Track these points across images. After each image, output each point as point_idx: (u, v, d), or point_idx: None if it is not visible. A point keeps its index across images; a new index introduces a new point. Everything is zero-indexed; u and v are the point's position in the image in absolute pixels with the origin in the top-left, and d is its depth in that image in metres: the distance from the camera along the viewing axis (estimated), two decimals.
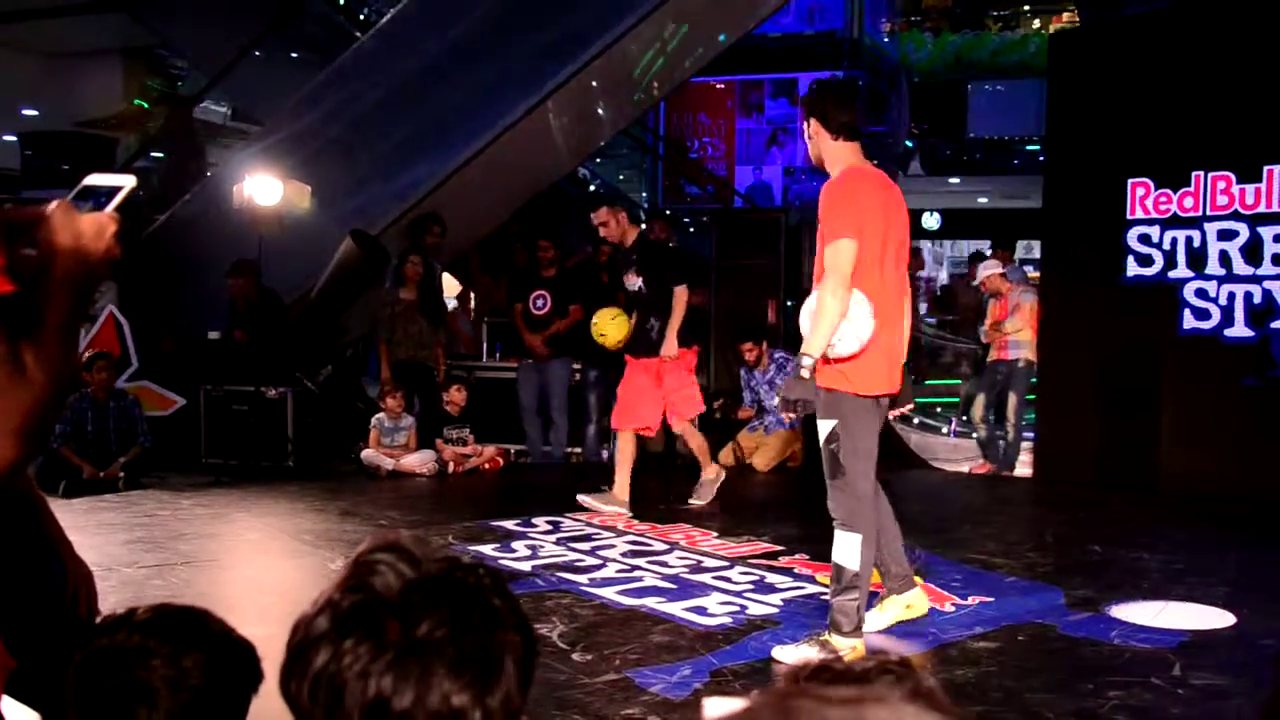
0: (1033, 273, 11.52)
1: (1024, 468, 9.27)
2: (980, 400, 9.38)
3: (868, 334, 4.06)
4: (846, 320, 4.02)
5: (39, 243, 1.39)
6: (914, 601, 4.71)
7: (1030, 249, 18.51)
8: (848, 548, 4.23)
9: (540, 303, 9.55)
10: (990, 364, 9.38)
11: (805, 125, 4.40)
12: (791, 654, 4.32)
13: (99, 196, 1.47)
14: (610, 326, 7.31)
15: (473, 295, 12.18)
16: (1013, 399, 9.15)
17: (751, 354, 9.25)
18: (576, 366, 9.83)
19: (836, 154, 4.27)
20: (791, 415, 4.17)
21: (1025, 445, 9.46)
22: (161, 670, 1.38)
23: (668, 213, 12.93)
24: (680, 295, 7.15)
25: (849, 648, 4.22)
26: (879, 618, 4.69)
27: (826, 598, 4.51)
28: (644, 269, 7.27)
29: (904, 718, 0.74)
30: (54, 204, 1.41)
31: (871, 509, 4.28)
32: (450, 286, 11.46)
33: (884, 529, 4.50)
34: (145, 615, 1.44)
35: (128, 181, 1.50)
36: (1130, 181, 8.29)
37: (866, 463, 4.23)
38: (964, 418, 10.23)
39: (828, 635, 4.30)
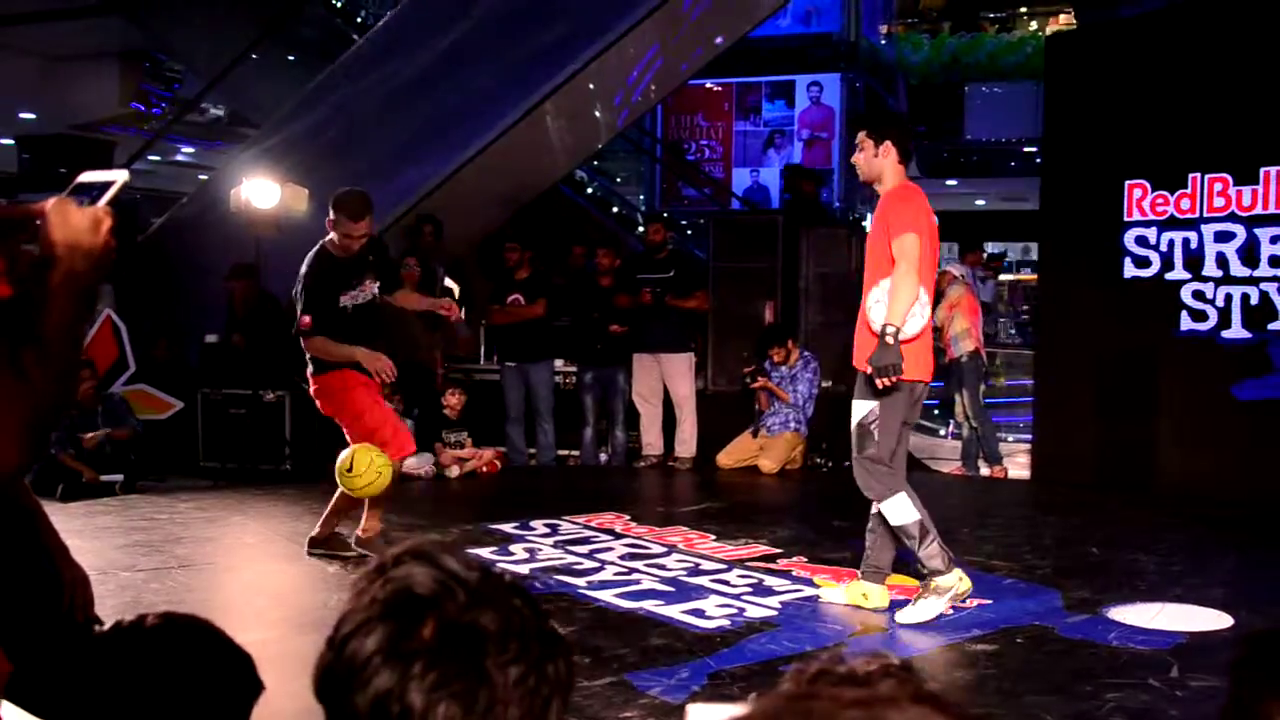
0: (1029, 274, 11.57)
1: (1021, 469, 9.27)
2: (956, 402, 9.40)
3: (923, 323, 4.69)
4: (918, 303, 4.63)
5: (38, 241, 1.38)
6: (872, 594, 5.03)
7: (1028, 251, 18.53)
8: (898, 508, 4.78)
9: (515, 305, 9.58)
10: (944, 366, 9.51)
11: (871, 144, 4.88)
12: (913, 613, 4.79)
13: (92, 192, 1.46)
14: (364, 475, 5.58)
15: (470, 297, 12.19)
16: (964, 396, 9.13)
17: (779, 355, 9.27)
18: (571, 369, 9.83)
19: (898, 174, 4.91)
20: (884, 382, 4.63)
21: (1021, 445, 9.45)
22: (176, 673, 1.38)
23: (665, 215, 12.90)
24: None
25: (955, 578, 4.78)
26: (836, 593, 5.15)
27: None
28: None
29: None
30: (49, 201, 1.41)
31: (898, 475, 4.82)
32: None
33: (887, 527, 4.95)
34: (154, 623, 1.44)
35: (120, 176, 1.49)
36: (1127, 183, 8.30)
37: (893, 441, 4.80)
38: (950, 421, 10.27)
39: (934, 582, 4.78)
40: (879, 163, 4.88)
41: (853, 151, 4.97)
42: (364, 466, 5.54)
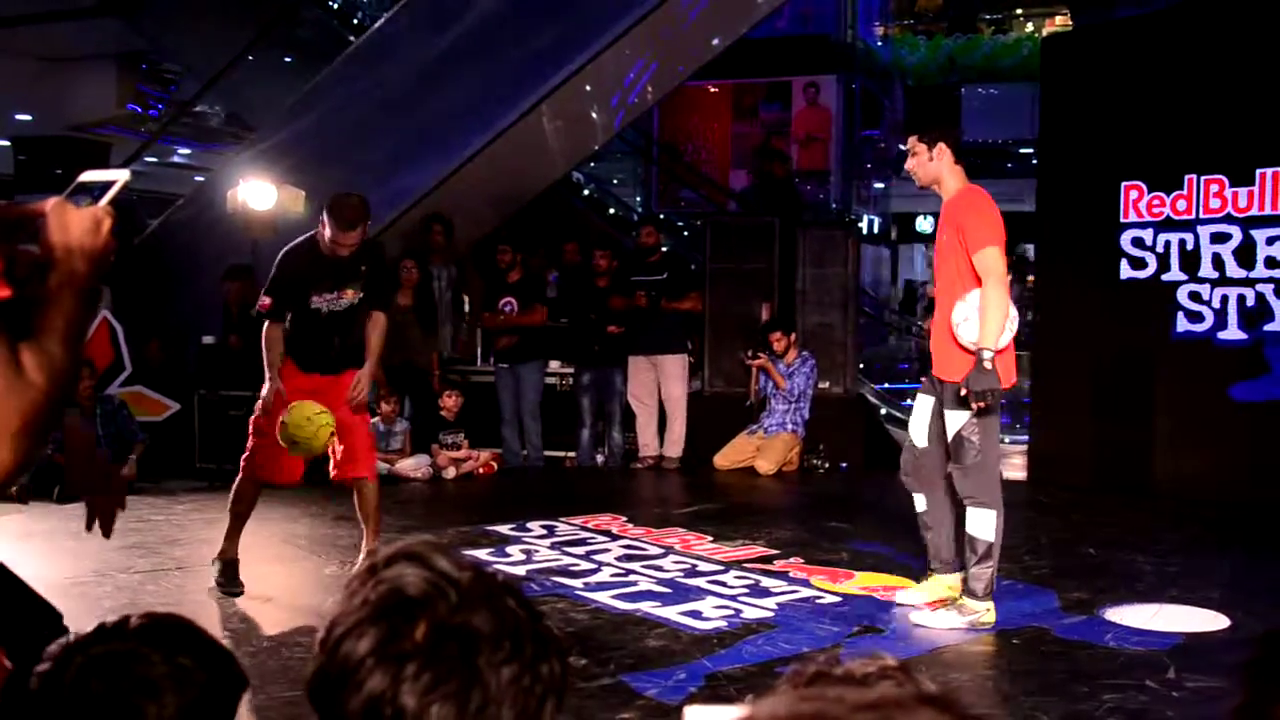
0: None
1: (1018, 471, 9.27)
2: None
3: (1012, 334, 4.71)
4: (1008, 319, 4.65)
5: (39, 241, 1.37)
6: (956, 585, 5.02)
7: (1024, 252, 18.54)
8: (983, 522, 4.76)
9: (508, 309, 9.56)
10: None
11: (925, 149, 4.87)
12: (929, 617, 4.85)
13: (93, 192, 1.45)
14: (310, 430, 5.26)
15: (467, 299, 12.17)
16: None
17: (780, 344, 9.30)
18: (568, 370, 9.82)
19: (957, 174, 4.87)
20: (980, 405, 4.64)
21: (1018, 447, 9.45)
22: (162, 668, 1.38)
23: (661, 217, 12.91)
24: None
25: (984, 609, 4.77)
26: (919, 595, 5.12)
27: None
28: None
29: None
30: (50, 201, 1.40)
31: (1000, 486, 4.83)
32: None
33: (944, 519, 5.03)
34: (138, 623, 1.44)
35: (121, 176, 1.48)
36: (1123, 185, 8.31)
37: (996, 445, 4.86)
38: None
39: (963, 600, 4.81)
40: (934, 166, 4.87)
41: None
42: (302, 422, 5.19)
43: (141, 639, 1.40)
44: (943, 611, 4.85)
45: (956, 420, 4.77)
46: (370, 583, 1.05)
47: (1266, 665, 1.24)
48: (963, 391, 4.61)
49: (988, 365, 4.54)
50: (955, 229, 4.75)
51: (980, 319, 4.59)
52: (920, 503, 5.08)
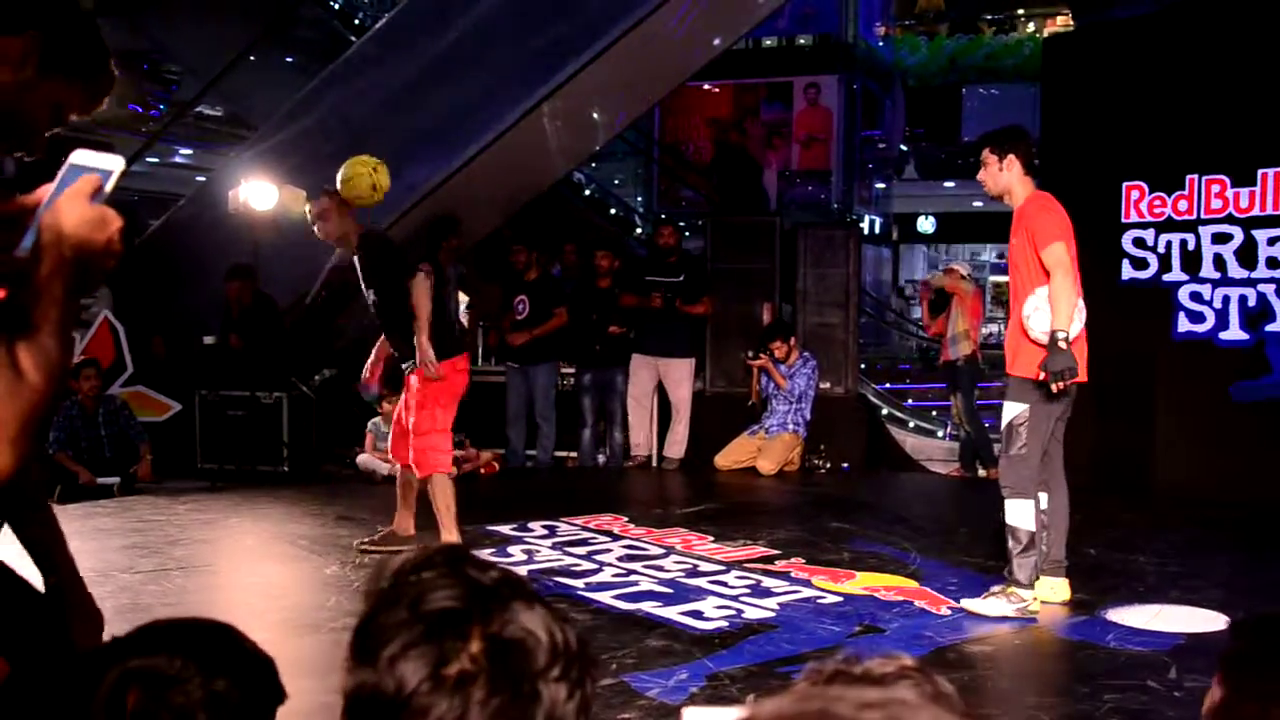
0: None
1: None
2: (952, 404, 9.43)
3: (1080, 326, 4.89)
4: (1075, 307, 4.84)
5: (38, 231, 1.34)
6: (1057, 588, 5.17)
7: None
8: (1023, 512, 4.96)
9: (521, 307, 9.55)
10: (941, 367, 9.62)
11: (996, 160, 5.06)
12: (981, 605, 4.97)
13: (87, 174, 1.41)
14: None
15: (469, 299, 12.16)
16: (958, 399, 9.16)
17: (781, 350, 9.31)
18: (569, 370, 9.82)
19: (1027, 184, 5.08)
20: (1060, 385, 4.84)
21: None
22: (198, 692, 1.36)
23: (664, 217, 12.91)
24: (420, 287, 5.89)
25: (1032, 597, 4.93)
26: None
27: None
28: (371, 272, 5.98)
29: None
30: (42, 190, 1.38)
31: (1036, 478, 5.00)
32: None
33: (1061, 519, 5.20)
34: (176, 633, 1.41)
35: (117, 164, 1.42)
36: (1125, 185, 8.31)
37: (1043, 440, 4.99)
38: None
39: (1012, 588, 4.94)
40: (1005, 176, 5.05)
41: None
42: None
43: (181, 655, 1.38)
44: (993, 599, 4.96)
45: (1011, 411, 5.00)
46: (401, 591, 1.02)
47: (1249, 660, 1.20)
48: (1041, 375, 4.80)
49: (1062, 345, 4.75)
50: (1026, 231, 4.94)
51: (1051, 306, 4.81)
52: (1042, 501, 5.17)
